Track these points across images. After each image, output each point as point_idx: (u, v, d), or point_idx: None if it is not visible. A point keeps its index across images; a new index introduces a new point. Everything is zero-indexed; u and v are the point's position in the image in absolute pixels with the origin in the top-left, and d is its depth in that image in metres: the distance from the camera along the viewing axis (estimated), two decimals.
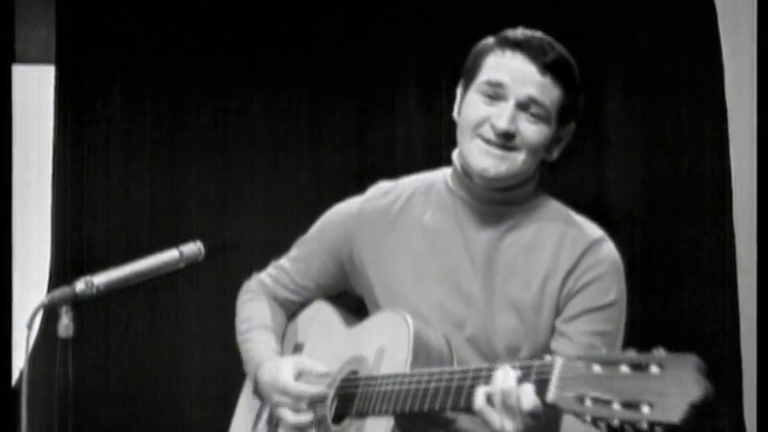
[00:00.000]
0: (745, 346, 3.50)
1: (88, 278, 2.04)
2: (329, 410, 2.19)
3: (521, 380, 1.82)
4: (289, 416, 2.19)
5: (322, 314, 2.40)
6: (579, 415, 1.66)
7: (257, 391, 2.30)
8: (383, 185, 2.32)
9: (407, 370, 2.05)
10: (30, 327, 1.96)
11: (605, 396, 1.63)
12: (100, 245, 3.59)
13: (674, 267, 3.57)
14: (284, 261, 2.42)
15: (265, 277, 2.44)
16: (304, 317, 2.43)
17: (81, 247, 3.59)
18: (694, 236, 3.59)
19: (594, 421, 1.64)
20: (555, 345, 2.10)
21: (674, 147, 3.62)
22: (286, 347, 2.42)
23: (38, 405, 3.28)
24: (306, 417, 2.17)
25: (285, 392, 2.19)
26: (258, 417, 2.38)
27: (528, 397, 1.79)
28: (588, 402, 1.65)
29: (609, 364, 1.65)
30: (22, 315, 3.36)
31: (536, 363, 1.80)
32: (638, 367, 1.61)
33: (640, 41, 3.59)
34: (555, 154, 2.18)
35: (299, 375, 2.23)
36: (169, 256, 2.14)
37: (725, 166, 3.59)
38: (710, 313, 3.58)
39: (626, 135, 3.65)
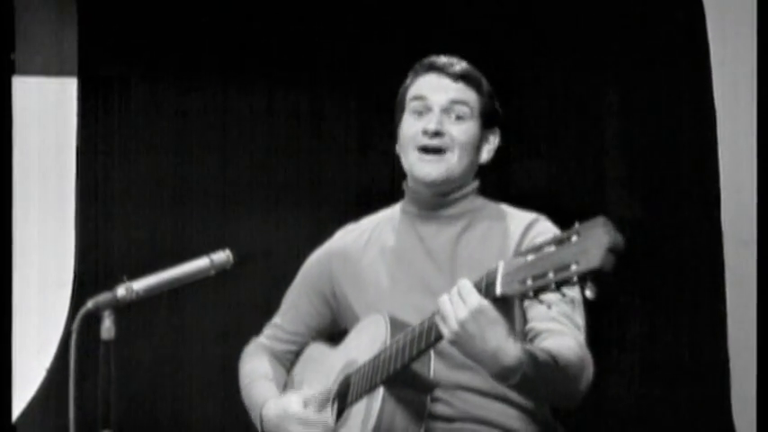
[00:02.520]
0: (745, 347, 3.52)
1: (128, 284, 2.18)
2: (331, 412, 2.35)
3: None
4: None
5: (313, 350, 2.60)
6: (525, 294, 1.93)
7: (263, 430, 2.46)
8: (348, 227, 2.60)
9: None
10: (75, 331, 2.08)
11: (540, 271, 1.89)
12: (122, 251, 3.66)
13: (661, 270, 3.60)
14: (276, 319, 2.64)
15: (262, 339, 2.64)
16: (300, 362, 2.62)
17: (105, 252, 3.66)
18: (682, 238, 3.62)
19: (536, 293, 1.91)
20: (526, 308, 2.32)
21: (662, 150, 3.66)
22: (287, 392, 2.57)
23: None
24: None
25: (300, 420, 2.36)
26: None
27: (472, 293, 2.05)
28: (529, 281, 1.91)
29: (538, 249, 1.92)
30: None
31: (485, 274, 2.05)
32: (560, 242, 1.87)
33: (630, 42, 3.64)
34: (485, 155, 2.48)
35: (306, 404, 2.39)
36: (200, 263, 2.26)
37: (714, 167, 3.61)
38: (698, 314, 3.61)
39: (617, 134, 3.67)
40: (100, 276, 3.63)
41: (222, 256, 2.28)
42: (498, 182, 2.53)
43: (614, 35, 3.63)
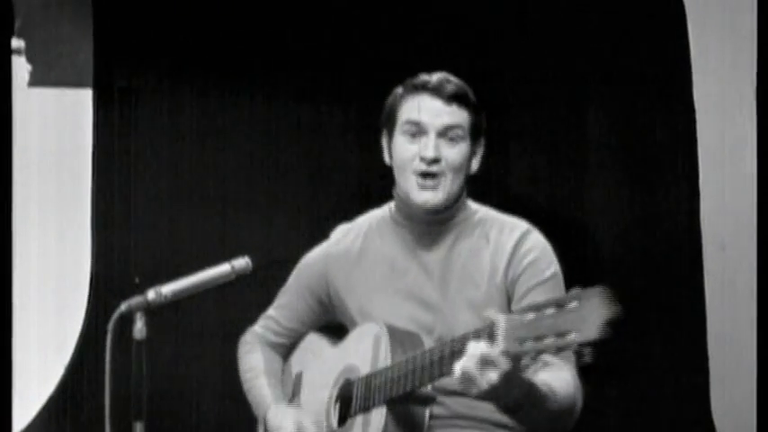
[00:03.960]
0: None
1: (158, 288, 2.31)
2: (333, 416, 2.49)
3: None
4: None
5: (312, 342, 2.71)
6: (524, 354, 2.02)
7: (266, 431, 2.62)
8: (343, 227, 2.66)
9: (389, 361, 2.36)
10: (111, 331, 2.22)
11: (540, 334, 1.97)
12: (134, 253, 3.73)
13: (642, 273, 3.64)
14: (271, 311, 2.74)
15: (258, 329, 2.76)
16: (298, 350, 2.74)
17: (119, 255, 3.73)
18: (662, 242, 3.65)
19: (536, 355, 2.01)
20: None
21: (643, 157, 3.71)
22: (287, 380, 2.71)
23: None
24: None
25: (289, 427, 2.51)
26: None
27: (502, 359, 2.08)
28: (528, 343, 1.99)
29: (537, 309, 2.00)
30: (41, 314, 3.70)
31: (485, 326, 2.10)
32: (560, 306, 1.96)
33: (612, 52, 3.67)
34: (474, 166, 2.53)
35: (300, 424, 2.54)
36: (222, 269, 2.40)
37: (694, 172, 3.65)
38: (677, 315, 3.65)
39: (600, 142, 3.71)
40: (115, 278, 3.71)
41: (242, 262, 2.41)
42: (484, 184, 2.64)
43: (595, 45, 3.68)
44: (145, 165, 3.78)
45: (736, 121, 3.61)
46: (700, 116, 3.65)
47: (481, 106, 2.53)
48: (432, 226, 2.52)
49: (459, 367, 2.10)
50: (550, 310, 1.97)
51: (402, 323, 2.43)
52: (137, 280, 3.62)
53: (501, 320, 2.06)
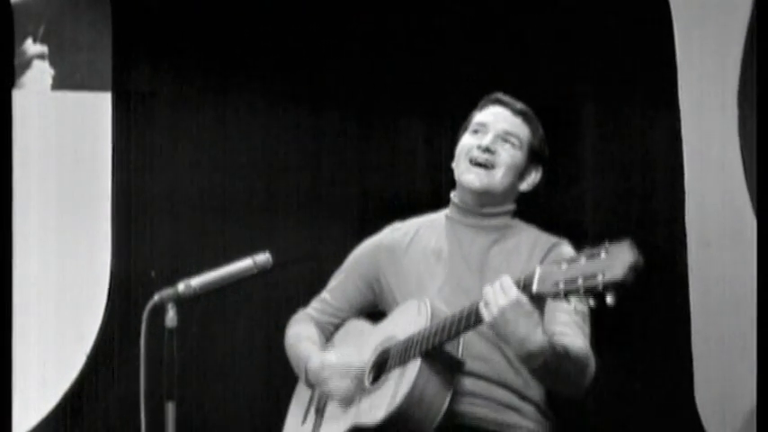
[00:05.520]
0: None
1: (188, 281, 2.49)
2: (367, 377, 2.68)
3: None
4: (335, 383, 2.68)
5: (352, 325, 2.94)
6: (556, 295, 2.24)
7: (308, 381, 2.80)
8: (396, 225, 2.92)
9: (428, 324, 2.57)
10: (145, 320, 2.41)
11: (571, 277, 2.20)
12: (150, 251, 3.81)
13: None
14: (323, 294, 2.98)
15: (309, 309, 2.99)
16: (340, 333, 2.95)
17: (136, 252, 3.82)
18: (647, 239, 3.51)
19: (566, 295, 2.23)
20: (547, 314, 2.62)
21: (631, 156, 3.76)
22: None
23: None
24: (348, 383, 2.67)
25: (332, 365, 2.71)
26: (307, 411, 2.86)
27: (512, 287, 2.36)
28: (561, 284, 2.22)
29: (572, 261, 2.23)
30: (62, 309, 3.80)
31: (523, 274, 2.36)
32: (591, 256, 2.19)
33: (603, 57, 3.71)
34: (525, 185, 2.80)
35: (342, 358, 2.74)
36: (245, 264, 2.59)
37: (680, 171, 3.69)
38: (663, 312, 3.70)
39: (590, 143, 3.75)
40: (133, 275, 3.80)
41: (263, 257, 2.60)
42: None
43: (584, 49, 3.73)
44: (162, 166, 3.87)
45: (719, 122, 3.68)
46: (684, 116, 3.72)
47: (547, 139, 2.79)
48: (477, 219, 2.76)
49: (484, 291, 2.38)
50: (582, 260, 2.20)
51: (441, 305, 2.63)
52: (152, 274, 3.75)
53: (537, 269, 2.31)
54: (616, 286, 2.12)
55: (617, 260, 2.12)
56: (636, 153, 3.78)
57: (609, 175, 3.78)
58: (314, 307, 2.97)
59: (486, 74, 3.67)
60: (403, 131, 3.82)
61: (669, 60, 3.71)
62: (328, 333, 2.95)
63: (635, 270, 2.10)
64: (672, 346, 3.71)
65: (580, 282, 2.18)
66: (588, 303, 2.19)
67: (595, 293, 2.16)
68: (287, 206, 3.87)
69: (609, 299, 2.14)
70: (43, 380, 3.78)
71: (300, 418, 2.87)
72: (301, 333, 2.91)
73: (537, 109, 2.88)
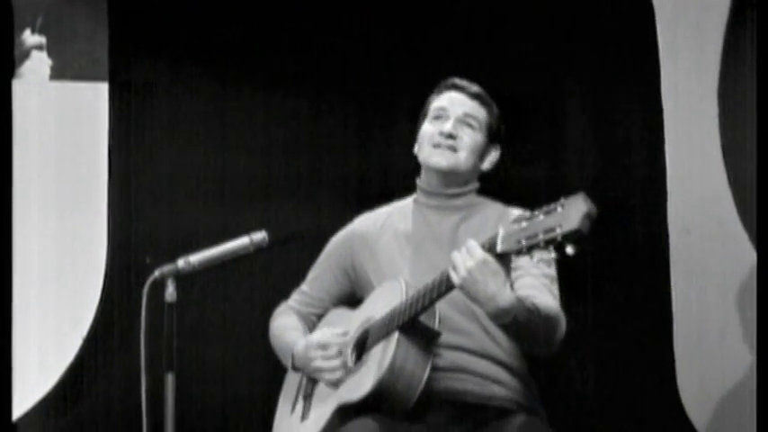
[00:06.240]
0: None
1: (186, 258, 2.58)
2: (350, 358, 2.76)
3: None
4: (321, 363, 2.76)
5: (334, 314, 3.02)
6: (520, 251, 2.33)
7: (294, 366, 2.88)
8: (366, 214, 3.01)
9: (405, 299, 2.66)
10: (146, 294, 2.49)
11: (532, 232, 2.30)
12: (145, 238, 3.84)
13: (610, 256, 3.66)
14: (303, 286, 3.06)
15: (290, 302, 3.07)
16: (323, 322, 3.02)
17: (132, 239, 3.85)
18: (629, 235, 3.72)
19: (529, 250, 2.32)
20: (515, 278, 2.73)
21: (614, 145, 3.80)
22: None
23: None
24: (334, 361, 2.75)
25: (317, 344, 2.78)
26: (295, 400, 2.93)
27: (477, 249, 2.44)
28: (523, 241, 2.32)
29: (531, 218, 2.34)
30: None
31: (489, 237, 2.45)
32: (548, 212, 2.30)
33: (586, 50, 3.75)
34: (486, 164, 2.92)
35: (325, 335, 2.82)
36: (242, 242, 2.67)
37: (661, 163, 3.73)
38: (645, 310, 3.72)
39: (573, 131, 3.80)
40: (129, 261, 3.84)
41: (259, 236, 2.69)
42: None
43: (569, 42, 3.77)
44: (159, 155, 3.89)
45: (699, 111, 3.72)
46: (667, 108, 3.77)
47: (502, 118, 2.89)
48: (444, 200, 2.87)
49: (452, 256, 2.46)
50: (540, 217, 2.31)
51: (416, 285, 2.71)
52: (148, 260, 3.76)
53: (500, 229, 2.41)
54: (574, 236, 2.22)
55: (572, 211, 2.22)
56: (619, 144, 3.83)
57: (589, 160, 3.83)
58: (295, 299, 3.06)
59: (472, 65, 3.57)
60: (400, 112, 3.82)
61: (651, 50, 3.77)
62: (311, 323, 3.03)
63: (590, 218, 2.20)
64: (653, 332, 3.73)
65: (540, 236, 2.28)
66: (551, 255, 2.30)
67: (556, 245, 2.27)
68: (284, 196, 3.90)
69: (569, 249, 2.24)
70: (42, 361, 3.83)
71: (289, 408, 2.95)
72: (286, 324, 2.99)
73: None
